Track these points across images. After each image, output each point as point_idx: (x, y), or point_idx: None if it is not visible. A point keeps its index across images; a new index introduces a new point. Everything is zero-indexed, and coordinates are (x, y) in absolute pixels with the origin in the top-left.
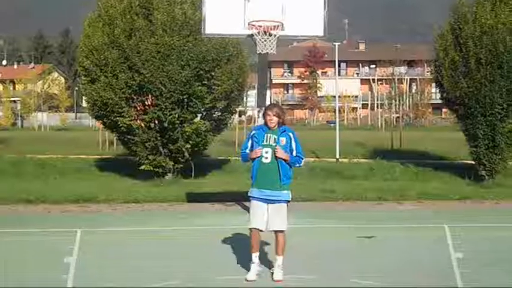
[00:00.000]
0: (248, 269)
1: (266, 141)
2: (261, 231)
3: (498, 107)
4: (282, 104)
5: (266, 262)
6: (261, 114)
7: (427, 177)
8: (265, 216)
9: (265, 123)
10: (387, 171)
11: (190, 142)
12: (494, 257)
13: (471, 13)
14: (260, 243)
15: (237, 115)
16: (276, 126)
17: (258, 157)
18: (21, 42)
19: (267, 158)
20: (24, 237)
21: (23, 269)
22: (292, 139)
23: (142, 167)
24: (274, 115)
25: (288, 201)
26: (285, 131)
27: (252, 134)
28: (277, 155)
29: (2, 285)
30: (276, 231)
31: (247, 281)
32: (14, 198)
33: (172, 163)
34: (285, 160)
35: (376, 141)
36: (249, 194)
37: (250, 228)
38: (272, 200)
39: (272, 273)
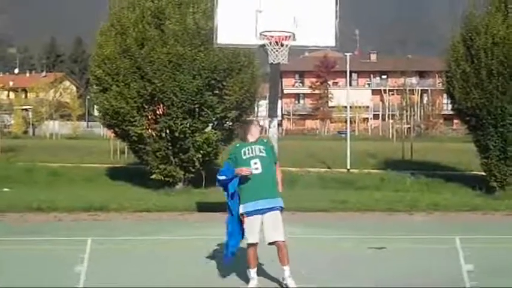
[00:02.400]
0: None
1: (252, 152)
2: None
3: (509, 118)
4: (293, 114)
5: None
6: (272, 124)
7: (438, 188)
8: (259, 228)
9: (245, 139)
10: (398, 182)
11: (201, 152)
12: (505, 268)
13: (483, 24)
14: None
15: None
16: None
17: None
18: (33, 51)
19: (257, 168)
20: (35, 246)
21: (33, 277)
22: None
23: (153, 176)
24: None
25: (282, 208)
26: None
27: (228, 158)
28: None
29: None
30: (275, 242)
31: None
32: (25, 206)
33: (183, 172)
34: None
35: (387, 152)
36: (242, 211)
37: (248, 244)
38: (266, 208)
39: (285, 285)
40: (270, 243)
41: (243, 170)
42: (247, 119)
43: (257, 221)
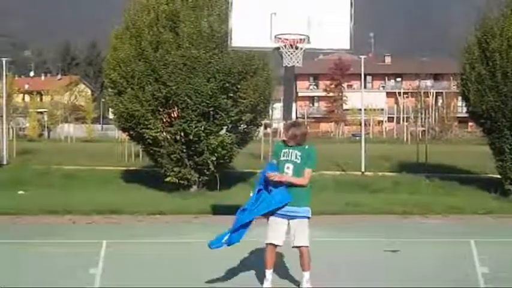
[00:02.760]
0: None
1: (288, 156)
2: (277, 246)
3: None
4: (308, 117)
5: (290, 277)
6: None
7: (453, 191)
8: (285, 231)
9: (284, 141)
10: (413, 185)
11: (216, 154)
12: None
13: (498, 27)
14: (281, 259)
15: (262, 128)
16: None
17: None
18: (48, 54)
19: (287, 173)
20: (50, 248)
21: (48, 280)
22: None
23: (168, 179)
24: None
25: (309, 218)
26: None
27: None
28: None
29: None
30: (300, 247)
31: None
32: (39, 209)
33: (198, 175)
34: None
35: (401, 154)
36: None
37: (266, 244)
38: (293, 216)
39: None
40: (294, 247)
41: (271, 175)
42: (291, 121)
43: (281, 224)
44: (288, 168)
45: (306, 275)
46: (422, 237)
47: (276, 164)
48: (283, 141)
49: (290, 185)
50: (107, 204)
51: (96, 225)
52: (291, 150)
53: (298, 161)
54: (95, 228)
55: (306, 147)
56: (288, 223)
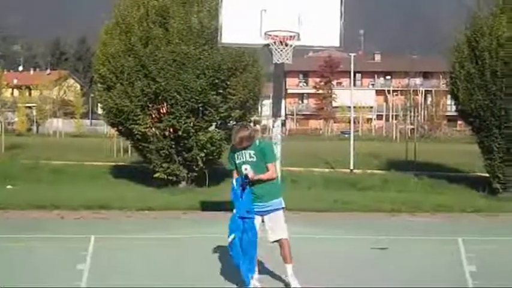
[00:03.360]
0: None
1: (243, 158)
2: None
3: None
4: (297, 114)
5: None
6: (276, 124)
7: (441, 189)
8: (259, 225)
9: (233, 145)
10: (401, 183)
11: (205, 151)
12: (508, 270)
13: (487, 26)
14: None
15: (251, 124)
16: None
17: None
18: (37, 49)
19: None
20: (37, 243)
21: (35, 275)
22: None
23: (157, 175)
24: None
25: (283, 208)
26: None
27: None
28: (250, 177)
29: None
30: (279, 240)
31: None
32: (28, 204)
33: (186, 171)
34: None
35: (390, 152)
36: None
37: None
38: (266, 210)
39: (287, 285)
40: (273, 242)
41: (250, 175)
42: (234, 124)
43: (257, 220)
44: (245, 169)
45: (289, 267)
46: (411, 235)
47: (234, 167)
48: (233, 145)
49: (259, 182)
50: (96, 200)
51: (84, 220)
52: (243, 152)
53: (254, 159)
54: (83, 224)
55: (257, 144)
56: (262, 219)
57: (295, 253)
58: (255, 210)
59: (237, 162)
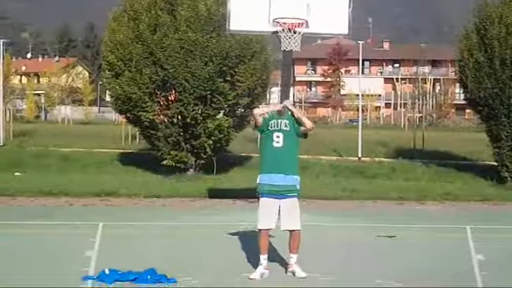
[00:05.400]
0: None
1: (277, 126)
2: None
3: None
4: (305, 102)
5: (279, 260)
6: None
7: (449, 178)
8: (276, 214)
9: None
10: (409, 171)
11: (213, 138)
12: None
13: (496, 13)
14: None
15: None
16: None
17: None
18: (46, 36)
19: (278, 142)
20: (46, 230)
21: (44, 262)
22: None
23: (164, 162)
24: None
25: (299, 194)
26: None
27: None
28: (289, 107)
29: (22, 277)
30: (292, 231)
31: (250, 279)
32: (36, 191)
33: (194, 159)
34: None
35: (398, 140)
36: (258, 182)
37: (259, 229)
38: (283, 194)
39: (292, 272)
40: (285, 230)
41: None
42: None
43: (272, 207)
44: (278, 137)
45: (295, 257)
46: (418, 224)
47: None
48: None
49: (280, 154)
50: (104, 187)
51: (92, 207)
52: (279, 120)
53: (288, 128)
54: (91, 210)
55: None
56: (279, 205)
57: (303, 241)
58: (273, 191)
59: (270, 129)
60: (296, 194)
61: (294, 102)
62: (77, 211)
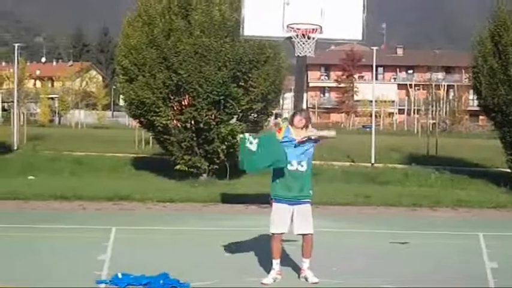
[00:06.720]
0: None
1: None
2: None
3: None
4: (318, 108)
5: (291, 264)
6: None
7: (463, 184)
8: (289, 219)
9: (292, 124)
10: (422, 178)
11: (226, 143)
12: None
13: (511, 20)
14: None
15: (273, 117)
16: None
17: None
18: (60, 40)
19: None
20: (59, 233)
21: (57, 265)
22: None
23: (178, 167)
24: (304, 118)
25: (311, 200)
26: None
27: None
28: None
29: (35, 280)
30: (305, 235)
31: (262, 283)
32: (49, 194)
33: (207, 164)
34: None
35: (412, 147)
36: (272, 193)
37: (272, 233)
38: (298, 200)
39: (305, 277)
40: (298, 234)
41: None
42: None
43: (285, 211)
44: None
45: (307, 262)
46: (431, 230)
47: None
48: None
49: (299, 177)
50: (117, 191)
51: (105, 211)
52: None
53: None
54: (104, 215)
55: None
56: (293, 210)
57: (315, 246)
58: (288, 196)
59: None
60: (309, 199)
61: (307, 107)
62: (90, 215)
